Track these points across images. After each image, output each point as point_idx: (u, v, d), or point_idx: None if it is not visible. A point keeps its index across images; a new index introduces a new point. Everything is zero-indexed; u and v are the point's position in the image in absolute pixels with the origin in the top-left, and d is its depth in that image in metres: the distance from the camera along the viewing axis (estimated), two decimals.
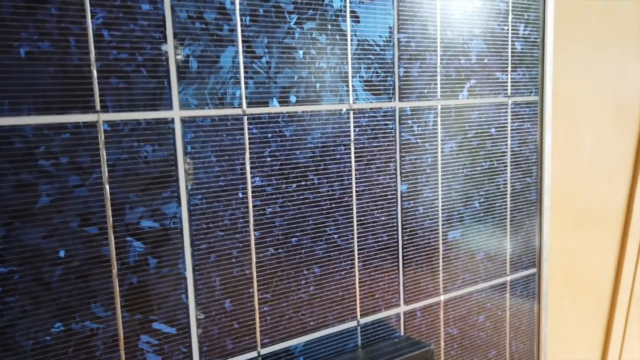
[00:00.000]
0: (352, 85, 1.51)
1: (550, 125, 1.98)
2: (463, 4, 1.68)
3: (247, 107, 1.33)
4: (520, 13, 1.86)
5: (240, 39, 1.31)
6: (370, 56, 1.53)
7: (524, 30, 1.88)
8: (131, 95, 1.17)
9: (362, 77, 1.52)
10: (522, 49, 1.88)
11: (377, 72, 1.55)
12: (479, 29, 1.75)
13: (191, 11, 1.23)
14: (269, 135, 1.38)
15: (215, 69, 1.28)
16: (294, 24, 1.39)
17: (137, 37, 1.17)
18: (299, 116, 1.42)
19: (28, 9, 1.04)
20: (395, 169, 1.63)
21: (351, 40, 1.49)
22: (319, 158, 1.47)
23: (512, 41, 1.85)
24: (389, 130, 1.60)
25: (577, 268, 2.29)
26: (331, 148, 1.49)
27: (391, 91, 1.58)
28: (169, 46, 1.22)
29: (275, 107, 1.37)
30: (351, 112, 1.51)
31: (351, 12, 1.47)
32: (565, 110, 2.09)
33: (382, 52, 1.56)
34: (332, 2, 1.43)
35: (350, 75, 1.50)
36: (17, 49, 1.03)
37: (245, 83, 1.32)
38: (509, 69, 1.86)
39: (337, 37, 1.45)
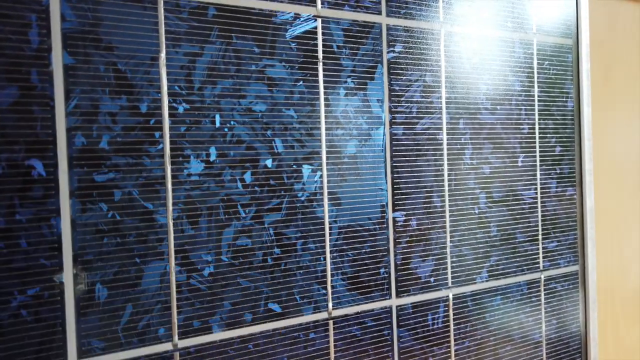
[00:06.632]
0: (332, 286, 1.15)
1: (595, 301, 1.57)
2: (476, 164, 1.35)
3: (180, 338, 0.98)
4: (550, 167, 1.51)
5: (172, 249, 0.98)
6: (356, 245, 1.19)
7: (557, 187, 1.53)
8: (7, 353, 0.84)
9: (346, 273, 1.17)
10: (555, 210, 1.51)
11: (365, 264, 1.20)
12: (499, 193, 1.41)
13: (102, 224, 0.91)
14: None
15: (133, 295, 0.94)
16: (251, 218, 1.06)
17: (18, 269, 0.84)
18: (255, 339, 1.05)
19: None
20: None
21: (330, 228, 1.15)
22: None
23: (542, 202, 1.49)
24: (383, 338, 1.22)
25: None
26: None
27: (385, 286, 1.22)
28: (66, 275, 0.88)
29: (221, 333, 1.01)
30: (330, 321, 1.14)
31: (330, 194, 1.15)
32: (608, 279, 1.68)
33: (372, 237, 1.21)
34: (304, 186, 1.11)
35: (329, 273, 1.15)
36: None
37: (179, 307, 0.98)
38: (540, 237, 1.49)
39: (311, 227, 1.12)
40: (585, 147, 1.61)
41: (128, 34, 0.98)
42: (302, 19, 1.16)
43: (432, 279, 1.33)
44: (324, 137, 1.19)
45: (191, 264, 1.03)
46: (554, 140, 1.57)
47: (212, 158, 1.06)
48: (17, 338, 0.87)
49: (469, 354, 1.39)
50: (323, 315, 1.18)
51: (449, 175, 1.36)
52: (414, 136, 1.31)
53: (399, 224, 1.28)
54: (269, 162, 1.12)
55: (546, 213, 1.54)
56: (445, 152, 1.35)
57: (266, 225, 1.11)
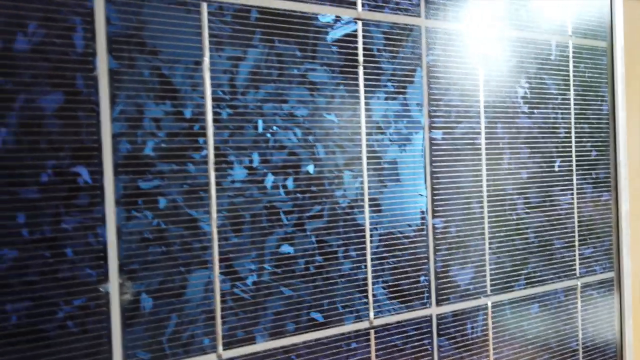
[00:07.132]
0: (373, 295, 1.12)
1: (630, 308, 1.54)
2: (514, 169, 1.32)
3: (225, 349, 0.96)
4: (586, 171, 1.49)
5: (217, 257, 0.95)
6: (397, 252, 1.16)
7: (593, 192, 1.50)
8: None
9: (386, 281, 1.15)
10: (590, 216, 1.48)
11: (405, 272, 1.18)
12: (537, 198, 1.38)
13: (147, 232, 0.89)
14: None
15: (178, 305, 0.92)
16: (293, 226, 1.03)
17: (63, 279, 0.82)
18: (298, 350, 1.03)
19: None
20: None
21: (371, 236, 1.12)
22: None
23: (578, 208, 1.46)
24: (424, 347, 1.19)
25: None
26: None
27: (426, 294, 1.20)
28: (112, 284, 0.86)
29: (265, 343, 0.99)
30: (372, 331, 1.12)
31: (371, 200, 1.12)
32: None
33: (411, 245, 1.19)
34: (345, 192, 1.08)
35: (370, 281, 1.12)
36: None
37: (223, 317, 0.95)
38: (576, 243, 1.46)
39: (352, 234, 1.10)
40: (620, 151, 1.58)
41: (172, 38, 0.96)
42: (343, 22, 1.14)
43: (471, 287, 1.31)
44: (364, 142, 1.16)
45: (235, 273, 1.00)
46: (589, 144, 1.54)
47: (255, 164, 1.04)
48: (64, 350, 0.84)
49: None
50: (364, 324, 1.15)
51: (487, 180, 1.33)
52: (453, 140, 1.28)
53: (439, 230, 1.26)
54: (310, 168, 1.10)
55: (582, 218, 1.51)
56: (483, 156, 1.33)
57: (308, 233, 1.09)
